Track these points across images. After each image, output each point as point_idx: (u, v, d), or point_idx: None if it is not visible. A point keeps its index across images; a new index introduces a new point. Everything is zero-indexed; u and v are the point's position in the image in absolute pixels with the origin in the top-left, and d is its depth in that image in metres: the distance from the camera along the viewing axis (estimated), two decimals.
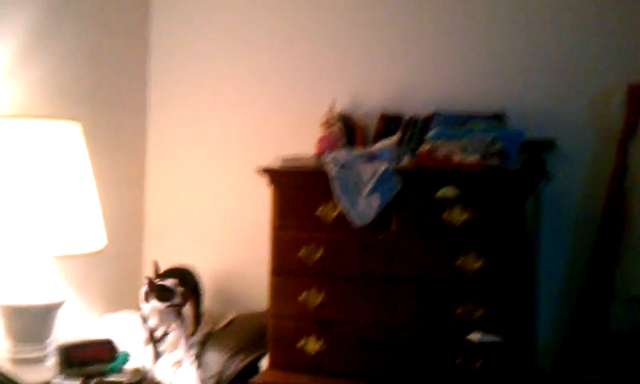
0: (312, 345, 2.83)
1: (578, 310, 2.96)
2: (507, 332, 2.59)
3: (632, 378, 2.67)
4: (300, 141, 3.32)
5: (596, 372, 2.73)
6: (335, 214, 2.78)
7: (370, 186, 2.72)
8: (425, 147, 2.80)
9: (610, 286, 2.90)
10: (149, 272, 3.02)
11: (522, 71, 3.17)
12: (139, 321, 2.92)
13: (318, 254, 2.81)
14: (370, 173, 2.74)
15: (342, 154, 2.87)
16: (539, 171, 2.84)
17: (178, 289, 2.88)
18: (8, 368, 2.53)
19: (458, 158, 2.70)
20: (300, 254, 2.83)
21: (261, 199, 3.19)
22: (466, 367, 2.63)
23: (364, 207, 2.73)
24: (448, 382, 2.66)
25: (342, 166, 2.80)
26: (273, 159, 3.01)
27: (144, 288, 2.88)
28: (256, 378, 2.86)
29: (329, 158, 2.86)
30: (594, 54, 3.07)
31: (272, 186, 2.92)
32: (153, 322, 2.84)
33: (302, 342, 2.84)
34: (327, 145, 3.07)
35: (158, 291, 2.84)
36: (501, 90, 3.18)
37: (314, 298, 2.82)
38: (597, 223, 2.96)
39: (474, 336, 2.60)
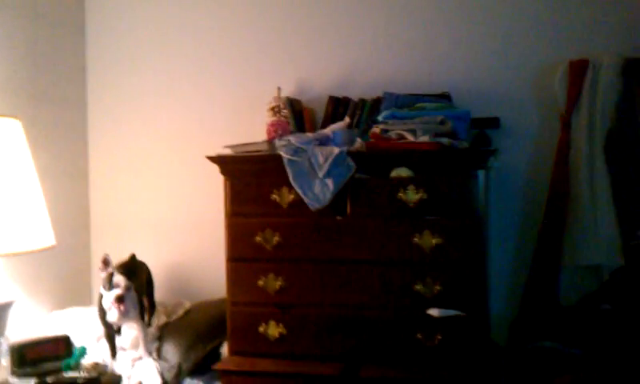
0: (273, 329, 2.83)
1: (529, 281, 3.04)
2: (464, 306, 2.65)
3: (582, 346, 2.76)
4: (247, 128, 3.32)
5: (549, 341, 2.81)
6: (291, 198, 2.78)
7: (324, 170, 2.73)
8: (376, 129, 2.83)
9: (558, 257, 2.98)
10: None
11: (464, 51, 3.23)
12: (97, 315, 2.86)
13: (276, 239, 2.81)
14: (324, 156, 2.75)
15: (295, 139, 2.87)
16: (487, 148, 2.90)
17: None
18: None
19: (410, 138, 2.74)
20: (257, 239, 2.83)
21: (210, 187, 3.21)
22: (426, 342, 2.67)
23: (319, 191, 2.73)
24: (409, 358, 2.70)
25: (296, 151, 2.80)
26: (221, 146, 2.98)
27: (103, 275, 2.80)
28: (218, 366, 2.84)
29: (281, 142, 2.86)
30: (534, 31, 3.14)
31: (224, 174, 2.89)
32: (112, 315, 2.78)
33: (262, 328, 2.84)
34: (277, 130, 3.06)
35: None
36: (445, 70, 3.23)
37: (272, 282, 2.82)
38: (544, 196, 3.03)
39: (434, 311, 2.65)
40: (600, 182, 2.96)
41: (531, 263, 3.06)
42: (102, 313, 2.81)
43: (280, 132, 3.02)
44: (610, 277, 2.90)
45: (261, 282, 2.83)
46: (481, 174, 2.66)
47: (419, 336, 2.68)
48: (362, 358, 2.73)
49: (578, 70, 2.98)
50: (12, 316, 2.79)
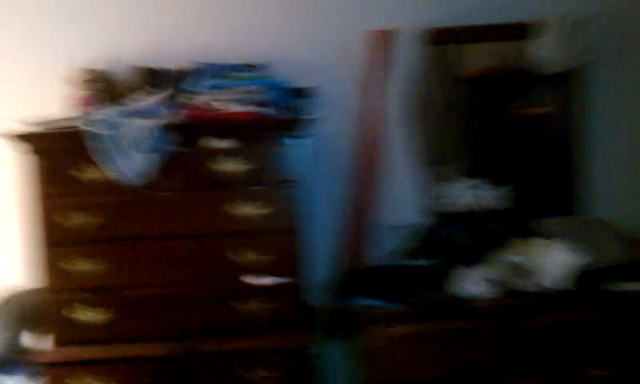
0: (98, 315, 2.71)
1: (342, 243, 3.22)
2: (285, 272, 2.73)
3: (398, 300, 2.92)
4: (42, 103, 3.07)
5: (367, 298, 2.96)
6: (106, 176, 2.66)
7: (141, 144, 2.64)
8: (193, 100, 2.78)
9: (368, 219, 3.19)
10: None
11: (277, 22, 3.26)
12: None
13: (93, 220, 2.69)
14: (140, 130, 2.65)
15: (107, 112, 2.73)
16: (304, 117, 2.97)
17: None
18: None
19: (227, 108, 2.73)
20: (73, 222, 2.68)
21: None
22: (244, 311, 2.73)
23: (133, 166, 2.64)
24: (233, 328, 2.74)
25: (108, 125, 2.67)
26: (16, 124, 2.74)
27: None
28: (40, 358, 2.69)
29: (93, 117, 2.71)
30: (338, 3, 3.25)
31: (33, 153, 2.69)
32: None
33: (86, 314, 2.71)
34: (87, 104, 2.91)
35: None
36: (258, 41, 3.23)
37: (92, 266, 2.70)
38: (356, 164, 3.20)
39: (251, 279, 2.72)
40: (401, 148, 3.22)
41: (343, 226, 3.22)
42: None
43: (89, 106, 2.87)
44: (416, 234, 3.13)
45: (80, 266, 2.70)
46: (305, 142, 2.74)
47: (237, 305, 2.72)
48: (194, 335, 2.72)
49: (381, 41, 3.15)
50: None
